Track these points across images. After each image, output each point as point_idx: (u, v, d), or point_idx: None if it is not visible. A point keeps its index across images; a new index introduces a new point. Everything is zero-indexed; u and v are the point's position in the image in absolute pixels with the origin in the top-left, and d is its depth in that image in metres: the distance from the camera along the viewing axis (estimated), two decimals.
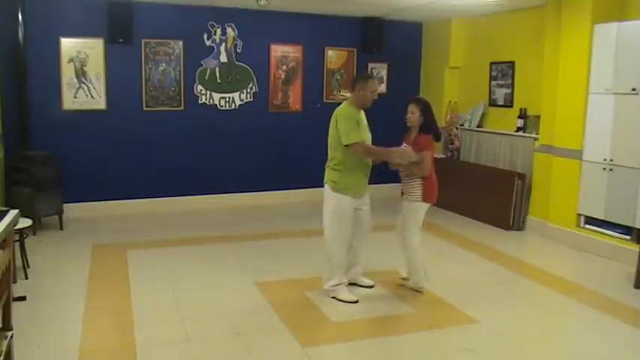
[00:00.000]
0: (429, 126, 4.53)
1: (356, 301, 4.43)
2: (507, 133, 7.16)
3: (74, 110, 6.81)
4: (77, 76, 6.79)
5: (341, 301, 4.44)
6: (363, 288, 4.72)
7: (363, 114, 4.53)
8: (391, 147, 4.47)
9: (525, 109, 6.95)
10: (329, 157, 4.51)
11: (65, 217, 6.45)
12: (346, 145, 4.28)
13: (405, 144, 4.57)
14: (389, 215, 6.90)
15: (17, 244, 4.79)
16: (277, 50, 7.77)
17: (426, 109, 4.52)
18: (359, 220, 4.54)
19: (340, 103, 4.62)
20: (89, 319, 4.02)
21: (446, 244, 6.09)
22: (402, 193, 4.74)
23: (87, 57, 6.79)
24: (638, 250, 5.03)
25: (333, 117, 4.45)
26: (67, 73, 6.74)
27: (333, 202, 4.41)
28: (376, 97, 4.49)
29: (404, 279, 4.88)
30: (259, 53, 7.65)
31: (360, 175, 4.45)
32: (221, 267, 5.25)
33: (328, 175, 4.48)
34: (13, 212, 3.58)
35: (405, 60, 8.51)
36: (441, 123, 7.52)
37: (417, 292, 4.68)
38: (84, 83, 6.82)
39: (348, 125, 4.28)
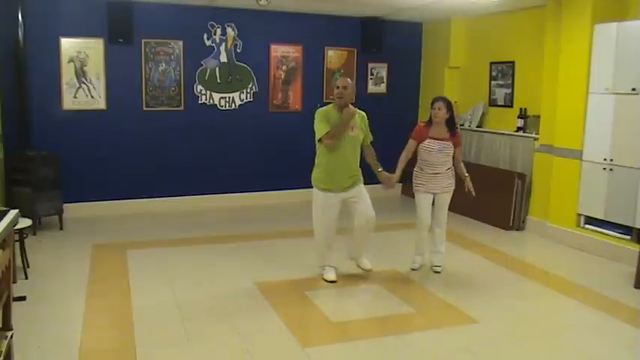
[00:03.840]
0: (454, 121, 4.99)
1: (333, 281, 4.78)
2: (507, 133, 7.16)
3: (74, 110, 6.81)
4: (77, 76, 6.79)
5: (324, 280, 4.83)
6: (362, 286, 4.77)
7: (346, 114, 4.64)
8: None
9: (525, 109, 6.95)
10: None
11: (65, 217, 6.44)
12: (319, 141, 4.63)
13: (431, 138, 4.93)
14: (387, 215, 6.84)
15: (17, 244, 4.80)
16: (277, 50, 7.77)
17: (450, 107, 4.95)
18: (352, 211, 4.76)
19: None
20: (89, 319, 4.02)
21: (446, 243, 6.07)
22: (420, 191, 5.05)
23: (87, 57, 6.79)
24: (638, 250, 5.03)
25: None
26: (67, 73, 6.74)
27: (313, 196, 4.82)
28: (343, 91, 4.65)
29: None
30: (259, 53, 7.65)
31: (333, 169, 4.65)
32: (221, 267, 5.25)
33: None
34: (13, 212, 3.59)
35: (405, 60, 8.50)
36: None
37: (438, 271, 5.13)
38: (84, 83, 6.82)
39: (318, 122, 4.63)
